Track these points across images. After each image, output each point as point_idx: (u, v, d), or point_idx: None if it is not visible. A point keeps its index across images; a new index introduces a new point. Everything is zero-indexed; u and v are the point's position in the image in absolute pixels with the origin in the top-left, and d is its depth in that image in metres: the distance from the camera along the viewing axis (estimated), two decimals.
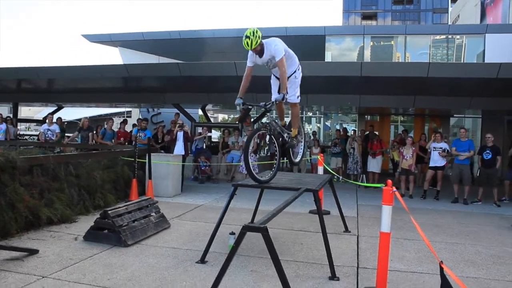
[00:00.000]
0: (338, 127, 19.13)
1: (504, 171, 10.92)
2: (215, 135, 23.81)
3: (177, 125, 11.31)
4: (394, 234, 5.00)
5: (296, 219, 6.98)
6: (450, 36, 19.19)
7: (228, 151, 12.41)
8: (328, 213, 7.40)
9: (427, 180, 10.27)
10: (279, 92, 4.86)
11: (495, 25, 20.51)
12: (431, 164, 10.12)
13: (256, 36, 4.47)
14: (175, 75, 11.05)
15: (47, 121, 12.24)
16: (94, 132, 12.39)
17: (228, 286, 3.91)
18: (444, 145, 10.07)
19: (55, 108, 17.74)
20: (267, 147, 5.51)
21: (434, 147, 10.06)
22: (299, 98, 5.09)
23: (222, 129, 16.93)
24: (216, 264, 4.44)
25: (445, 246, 5.65)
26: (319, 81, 9.88)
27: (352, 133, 13.97)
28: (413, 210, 7.10)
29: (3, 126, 13.04)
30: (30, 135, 20.69)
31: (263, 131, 5.07)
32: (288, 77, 4.83)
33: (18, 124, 18.94)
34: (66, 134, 14.32)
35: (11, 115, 16.90)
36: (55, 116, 13.88)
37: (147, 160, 8.88)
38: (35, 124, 27.29)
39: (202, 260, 4.61)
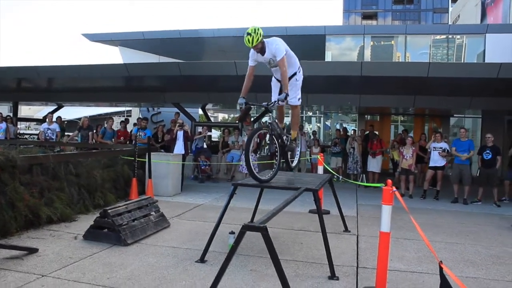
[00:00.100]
0: (338, 126, 19.13)
1: (504, 171, 10.92)
2: (215, 134, 23.81)
3: (177, 124, 11.31)
4: (394, 234, 5.00)
5: (296, 219, 6.98)
6: (450, 36, 19.19)
7: (228, 151, 12.41)
8: (328, 212, 7.40)
9: (427, 180, 10.27)
10: (280, 94, 4.85)
11: (496, 25, 20.51)
12: (431, 164, 10.12)
13: (257, 34, 4.50)
14: (175, 75, 11.04)
15: (47, 120, 12.24)
16: (94, 131, 12.39)
17: (227, 285, 3.91)
18: (444, 145, 10.07)
19: (55, 107, 17.73)
20: (267, 147, 5.52)
21: (434, 147, 10.06)
22: (300, 100, 5.12)
23: (222, 128, 16.93)
24: (215, 264, 4.44)
25: (444, 246, 5.65)
26: (319, 80, 9.88)
27: (352, 133, 13.98)
28: (413, 210, 7.09)
29: (3, 125, 13.04)
30: (30, 134, 20.68)
31: (264, 131, 5.08)
32: (289, 79, 4.83)
33: (18, 123, 18.94)
34: (66, 133, 14.32)
35: (11, 114, 16.90)
36: (55, 115, 13.85)
37: (147, 159, 8.88)
38: (35, 123, 27.28)
39: (202, 259, 4.61)
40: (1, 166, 5.50)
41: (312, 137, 14.56)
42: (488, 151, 9.45)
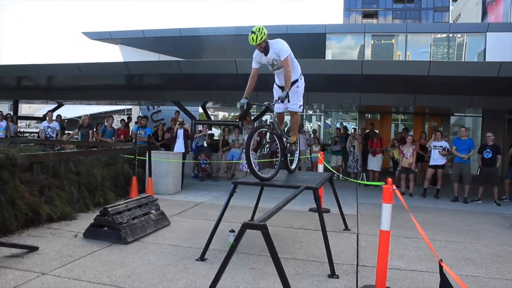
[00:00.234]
0: (338, 125, 19.13)
1: (504, 170, 10.92)
2: (216, 132, 23.81)
3: (177, 122, 11.31)
4: (394, 232, 5.00)
5: (296, 217, 6.98)
6: (451, 35, 19.17)
7: (228, 149, 12.41)
8: (328, 211, 7.40)
9: (427, 179, 10.27)
10: (282, 101, 4.88)
11: (496, 24, 20.49)
12: (431, 162, 10.12)
13: (261, 32, 4.57)
14: (175, 73, 11.04)
15: (47, 118, 12.24)
16: (95, 129, 12.39)
17: (227, 283, 3.91)
18: (444, 143, 10.07)
19: (55, 105, 17.74)
20: (267, 145, 5.56)
21: (434, 146, 10.05)
22: (301, 107, 5.19)
23: (222, 127, 16.92)
24: (215, 262, 4.44)
25: (445, 244, 5.65)
26: (320, 79, 9.88)
27: (352, 132, 13.98)
28: (413, 208, 7.09)
29: (3, 123, 13.04)
30: (31, 133, 20.68)
31: (265, 130, 5.11)
32: (291, 85, 4.89)
33: (19, 121, 18.94)
34: (66, 132, 14.32)
35: (11, 113, 16.91)
36: (55, 114, 13.86)
37: (147, 158, 8.87)
38: (35, 121, 27.30)
39: (202, 258, 4.61)
40: (1, 164, 5.50)
41: (312, 135, 14.56)
42: (488, 150, 9.44)
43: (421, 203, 9.13)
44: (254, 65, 4.93)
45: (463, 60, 18.10)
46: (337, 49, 19.78)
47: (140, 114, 16.97)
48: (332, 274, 4.21)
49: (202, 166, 11.76)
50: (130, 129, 13.09)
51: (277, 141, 5.05)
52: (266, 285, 3.94)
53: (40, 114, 24.86)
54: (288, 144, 5.26)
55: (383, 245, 3.75)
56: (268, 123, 5.09)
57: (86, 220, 5.99)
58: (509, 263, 4.91)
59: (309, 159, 13.26)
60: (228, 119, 34.06)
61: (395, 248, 5.21)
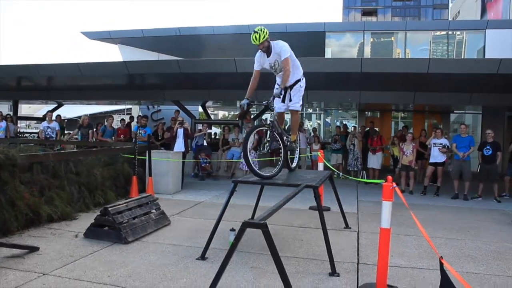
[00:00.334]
0: (338, 123, 19.13)
1: (504, 167, 10.92)
2: (215, 131, 23.81)
3: (177, 122, 11.30)
4: (394, 230, 5.00)
5: (296, 216, 6.98)
6: (450, 32, 19.15)
7: (228, 148, 12.41)
8: (328, 209, 7.40)
9: (427, 176, 10.27)
10: (283, 101, 5.04)
11: (496, 21, 20.48)
12: (431, 160, 10.12)
13: (263, 32, 4.69)
14: (175, 72, 11.03)
15: (46, 118, 12.24)
16: (94, 129, 12.38)
17: (228, 282, 3.91)
18: (444, 141, 10.07)
19: (55, 105, 17.73)
20: (267, 144, 5.60)
21: (434, 143, 10.05)
22: (301, 106, 5.28)
23: (222, 126, 16.92)
24: (216, 261, 4.44)
25: (445, 241, 5.65)
26: (319, 77, 9.87)
27: (352, 130, 13.97)
28: (413, 206, 7.10)
29: (3, 123, 13.04)
30: (30, 133, 20.69)
31: (264, 128, 5.13)
32: (293, 85, 5.07)
33: (18, 121, 18.94)
34: (65, 132, 14.31)
35: (11, 113, 16.91)
36: (55, 114, 13.85)
37: (147, 157, 8.87)
38: (35, 121, 27.26)
39: (203, 257, 4.62)
40: (1, 165, 5.50)
41: (312, 134, 14.55)
42: (488, 147, 9.44)
43: (421, 201, 9.13)
44: (256, 67, 5.01)
45: (462, 57, 18.09)
46: (337, 47, 19.77)
47: (140, 114, 16.97)
48: (333, 272, 4.21)
49: (202, 165, 11.76)
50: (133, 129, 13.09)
51: (279, 140, 5.11)
52: (267, 283, 3.94)
53: (40, 114, 24.84)
54: (288, 143, 5.31)
55: (383, 243, 3.75)
56: (268, 122, 5.13)
57: (86, 220, 5.99)
58: (509, 260, 4.91)
59: (309, 157, 13.26)
60: (228, 118, 34.06)
61: (395, 245, 5.22)
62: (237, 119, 15.83)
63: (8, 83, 14.17)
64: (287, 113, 5.63)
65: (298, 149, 5.75)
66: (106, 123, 12.42)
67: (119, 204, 5.60)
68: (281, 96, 4.80)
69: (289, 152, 5.45)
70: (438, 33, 19.66)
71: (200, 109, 18.92)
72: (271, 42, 4.83)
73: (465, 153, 9.56)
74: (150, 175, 8.72)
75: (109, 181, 7.89)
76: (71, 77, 12.36)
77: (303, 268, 4.40)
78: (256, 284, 3.92)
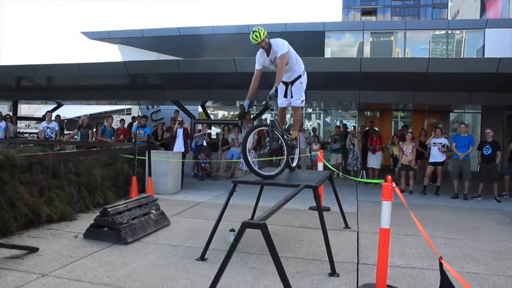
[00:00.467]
0: (338, 123, 19.13)
1: (504, 166, 10.91)
2: (214, 131, 23.80)
3: (177, 122, 11.30)
4: (394, 230, 5.00)
5: (296, 216, 6.98)
6: (450, 31, 19.15)
7: (228, 148, 12.40)
8: (328, 209, 7.40)
9: (427, 176, 10.27)
10: (285, 96, 5.16)
11: (495, 20, 20.48)
12: (431, 159, 10.12)
13: (262, 30, 4.73)
14: (174, 72, 11.03)
15: (46, 119, 12.23)
16: (94, 129, 12.37)
17: (228, 283, 3.91)
18: (444, 140, 10.07)
19: (54, 105, 17.73)
20: (268, 144, 5.62)
21: (434, 143, 10.05)
22: (303, 103, 5.30)
23: (222, 126, 16.91)
24: (216, 261, 4.44)
25: (445, 241, 5.65)
26: (319, 77, 9.86)
27: (352, 129, 13.97)
28: (413, 205, 7.10)
29: (3, 124, 13.04)
30: (30, 133, 20.69)
31: (264, 128, 5.14)
32: (294, 81, 5.15)
33: (18, 122, 18.95)
34: (65, 132, 14.31)
35: (10, 113, 16.90)
36: (54, 114, 13.85)
37: (146, 158, 8.87)
38: (34, 122, 27.27)
39: (202, 257, 4.61)
40: (0, 165, 5.50)
41: (312, 133, 14.55)
42: (488, 146, 9.43)
43: (421, 200, 9.13)
44: (257, 67, 5.01)
45: (462, 56, 18.10)
46: (336, 47, 19.77)
47: (140, 114, 16.96)
48: (333, 273, 4.21)
49: (202, 165, 11.75)
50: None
51: (279, 139, 5.13)
52: (266, 284, 3.94)
53: (39, 114, 24.84)
54: (289, 141, 5.33)
55: (383, 243, 3.75)
56: (268, 121, 5.15)
57: (86, 220, 5.99)
58: (509, 260, 4.91)
59: (309, 157, 13.26)
60: (228, 118, 34.06)
61: (395, 245, 5.21)
62: (236, 119, 15.82)
63: (7, 83, 14.16)
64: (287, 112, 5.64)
65: (298, 148, 5.76)
66: (105, 123, 12.41)
67: (119, 205, 5.59)
68: (277, 94, 4.82)
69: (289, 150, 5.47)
70: (437, 32, 19.66)
71: (200, 109, 18.91)
72: (270, 40, 4.85)
73: (464, 153, 9.56)
74: (149, 175, 8.72)
75: (109, 182, 7.89)
76: (70, 77, 12.36)
77: (303, 269, 4.40)
78: (256, 285, 3.92)
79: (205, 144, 13.07)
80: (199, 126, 13.97)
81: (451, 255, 4.98)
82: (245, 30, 16.92)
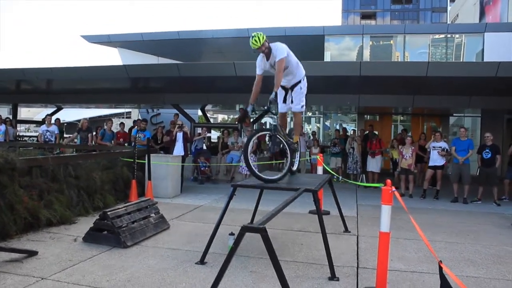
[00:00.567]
0: (337, 127, 19.13)
1: (504, 170, 10.91)
2: (214, 135, 23.80)
3: (177, 125, 11.30)
4: (393, 234, 4.99)
5: (295, 220, 6.97)
6: (449, 35, 19.19)
7: (227, 152, 12.40)
8: (327, 213, 7.39)
9: (426, 180, 10.27)
10: (284, 101, 5.19)
11: (494, 24, 20.53)
12: (431, 163, 10.12)
13: (261, 35, 4.74)
14: (174, 76, 11.05)
15: (45, 122, 12.23)
16: (94, 133, 12.37)
17: (227, 286, 3.90)
18: (443, 144, 10.07)
19: (54, 109, 17.73)
20: (270, 147, 5.64)
21: (433, 147, 10.05)
22: (304, 107, 5.34)
23: (221, 129, 16.91)
24: (215, 265, 4.43)
25: (445, 245, 5.65)
26: (319, 81, 9.88)
27: (351, 133, 13.98)
28: (412, 209, 7.10)
29: (2, 127, 13.03)
30: (30, 136, 20.68)
31: (266, 133, 5.16)
32: (293, 87, 5.17)
33: (18, 125, 18.94)
34: (64, 135, 14.30)
35: (10, 116, 16.90)
36: (54, 117, 13.86)
37: (146, 161, 8.87)
38: (34, 125, 27.29)
39: (202, 261, 4.60)
40: (0, 169, 5.49)
41: (311, 137, 14.55)
42: (487, 150, 9.44)
43: (420, 204, 9.12)
44: (258, 72, 5.04)
45: (461, 60, 18.11)
46: (336, 51, 19.79)
47: (139, 117, 16.95)
48: (332, 277, 4.20)
49: (202, 169, 11.75)
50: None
51: (281, 143, 5.15)
52: None
53: (39, 117, 24.87)
54: (291, 145, 5.35)
55: (383, 247, 3.75)
56: (269, 125, 5.18)
57: (85, 224, 5.97)
58: (509, 264, 4.90)
59: (309, 161, 13.26)
60: (228, 122, 34.07)
61: (395, 249, 5.21)
62: (236, 122, 15.83)
63: (7, 87, 14.17)
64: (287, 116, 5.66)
65: (299, 152, 5.78)
66: (105, 127, 12.41)
67: (118, 208, 5.59)
68: (277, 98, 4.83)
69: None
70: (437, 36, 19.70)
71: (200, 112, 18.90)
72: (270, 45, 4.87)
73: (463, 157, 9.56)
74: (149, 179, 8.71)
75: (108, 185, 7.88)
76: (70, 80, 12.37)
77: (303, 273, 4.39)
78: None
79: (204, 147, 13.08)
80: (199, 130, 13.96)
81: (451, 259, 4.97)
82: (244, 34, 16.96)
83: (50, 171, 6.56)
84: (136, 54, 21.64)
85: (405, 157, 10.34)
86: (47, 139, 11.53)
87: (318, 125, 21.85)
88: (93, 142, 11.95)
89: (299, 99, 5.20)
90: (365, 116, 18.49)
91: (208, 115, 19.86)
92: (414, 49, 19.66)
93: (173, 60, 19.81)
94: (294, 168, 5.73)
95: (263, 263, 4.55)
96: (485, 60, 16.59)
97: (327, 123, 21.65)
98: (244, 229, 2.93)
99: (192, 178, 12.05)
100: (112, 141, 12.11)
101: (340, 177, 11.18)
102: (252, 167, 4.67)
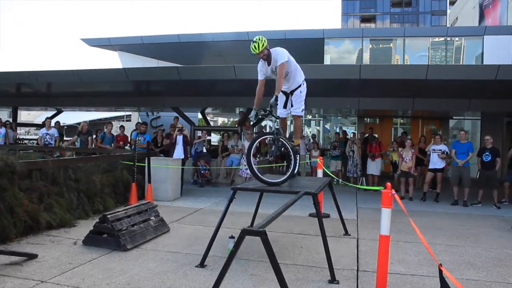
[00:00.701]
0: (337, 130, 19.14)
1: (504, 173, 10.91)
2: (214, 138, 23.80)
3: (177, 128, 11.31)
4: (393, 237, 4.99)
5: (295, 223, 6.97)
6: (448, 38, 19.21)
7: (227, 155, 12.41)
8: (327, 216, 7.39)
9: (426, 182, 10.27)
10: (285, 106, 5.25)
11: (494, 27, 20.56)
12: (431, 166, 10.12)
13: (262, 40, 4.78)
14: (174, 79, 11.06)
15: (45, 125, 12.24)
16: (94, 136, 12.37)
17: None
18: (443, 147, 10.08)
19: (54, 112, 17.74)
20: (273, 150, 5.68)
21: (433, 149, 10.06)
22: (303, 111, 5.40)
23: (221, 132, 16.92)
24: (215, 268, 4.43)
25: (445, 248, 5.64)
26: (318, 84, 9.88)
27: (351, 136, 13.98)
28: (412, 212, 7.09)
29: (3, 130, 13.04)
30: (30, 139, 20.68)
31: (268, 137, 5.20)
32: (293, 91, 5.23)
33: (18, 128, 18.95)
34: (64, 138, 14.30)
35: (10, 120, 16.91)
36: (54, 120, 13.87)
37: (146, 164, 8.87)
38: (34, 128, 27.28)
39: (202, 264, 4.60)
40: (0, 172, 5.49)
41: (311, 140, 14.56)
42: (487, 153, 9.44)
43: (420, 207, 9.12)
44: (260, 77, 5.09)
45: (461, 63, 18.14)
46: (336, 54, 19.82)
47: (139, 120, 16.98)
48: (332, 280, 4.20)
49: (202, 172, 11.75)
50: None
51: (286, 147, 5.18)
52: None
53: (39, 121, 24.86)
54: (294, 148, 5.39)
55: (383, 250, 3.75)
56: (273, 129, 5.22)
57: (85, 227, 5.98)
58: (509, 267, 4.90)
59: (309, 164, 13.26)
60: (228, 125, 34.10)
61: (395, 252, 5.21)
62: (236, 125, 15.84)
63: (7, 90, 14.19)
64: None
65: (298, 155, 5.79)
66: (105, 130, 12.41)
67: (118, 211, 5.59)
68: (278, 103, 4.86)
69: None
70: (436, 39, 19.73)
71: (200, 115, 18.92)
72: (270, 50, 4.92)
73: (463, 161, 9.57)
74: (149, 182, 8.71)
75: (108, 188, 7.88)
76: (70, 84, 12.38)
77: (303, 276, 4.39)
78: None
79: (204, 150, 13.07)
80: (199, 133, 13.98)
81: (451, 262, 4.97)
82: (244, 37, 17.00)
83: (50, 174, 6.56)
84: (136, 58, 21.67)
85: (405, 160, 10.34)
86: (47, 142, 11.53)
87: (318, 128, 21.88)
88: (93, 145, 11.95)
89: (298, 103, 5.25)
90: (365, 119, 18.51)
91: (208, 118, 19.86)
92: (413, 52, 19.70)
93: (173, 63, 19.85)
94: (295, 170, 5.75)
95: (263, 266, 4.54)
96: (484, 63, 16.61)
97: (327, 126, 21.68)
98: (244, 232, 2.94)
99: (192, 181, 12.05)
100: (112, 144, 12.11)
101: (340, 180, 11.18)
102: (255, 170, 4.69)
